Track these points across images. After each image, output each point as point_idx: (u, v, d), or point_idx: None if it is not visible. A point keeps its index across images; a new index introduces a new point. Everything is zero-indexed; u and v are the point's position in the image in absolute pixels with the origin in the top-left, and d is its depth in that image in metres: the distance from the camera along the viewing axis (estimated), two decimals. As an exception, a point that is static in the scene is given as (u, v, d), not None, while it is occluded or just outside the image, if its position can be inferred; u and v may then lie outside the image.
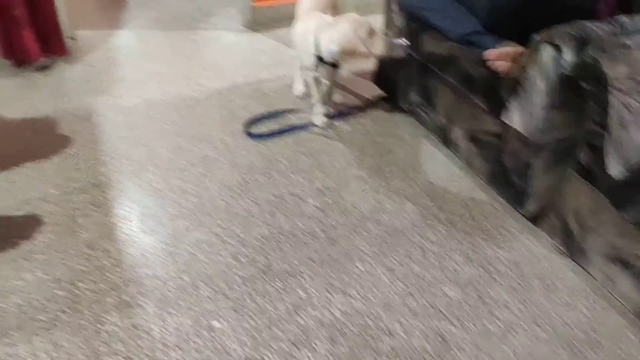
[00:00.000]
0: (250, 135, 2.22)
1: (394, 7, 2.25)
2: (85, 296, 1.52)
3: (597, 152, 1.46)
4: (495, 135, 1.83)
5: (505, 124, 1.76)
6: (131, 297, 1.52)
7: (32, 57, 2.64)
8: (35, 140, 2.17)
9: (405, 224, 1.82)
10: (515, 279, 1.63)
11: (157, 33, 3.18)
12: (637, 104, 1.34)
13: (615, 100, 1.38)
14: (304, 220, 1.82)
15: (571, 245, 1.64)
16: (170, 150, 2.14)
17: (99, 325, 1.44)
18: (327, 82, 2.22)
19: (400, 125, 2.33)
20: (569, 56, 1.49)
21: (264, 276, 1.61)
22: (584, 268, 1.63)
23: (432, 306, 1.53)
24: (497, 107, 1.78)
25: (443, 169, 2.08)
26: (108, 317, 1.46)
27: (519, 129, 1.71)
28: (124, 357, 1.36)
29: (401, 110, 2.39)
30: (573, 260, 1.66)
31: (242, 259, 1.66)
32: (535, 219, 1.80)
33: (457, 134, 2.04)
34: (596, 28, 1.53)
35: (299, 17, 2.29)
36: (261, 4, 3.17)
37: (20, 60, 2.66)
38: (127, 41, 3.07)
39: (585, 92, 1.47)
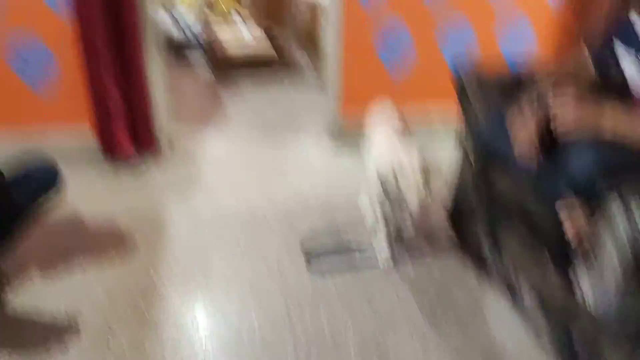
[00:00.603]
0: (310, 268, 2.14)
1: (468, 140, 2.14)
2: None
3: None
4: (563, 302, 1.62)
5: (578, 302, 1.54)
6: None
7: (124, 152, 2.82)
8: (104, 239, 2.26)
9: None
10: None
11: (243, 137, 3.33)
12: None
13: None
14: (338, 363, 1.69)
15: None
16: (223, 263, 2.14)
17: None
18: (394, 217, 2.13)
19: (468, 269, 2.16)
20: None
21: None
22: None
23: None
24: (565, 270, 1.59)
25: (506, 327, 1.88)
26: None
27: (591, 310, 1.48)
28: None
29: (472, 252, 2.23)
30: None
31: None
32: None
33: (524, 291, 1.85)
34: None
35: (370, 137, 2.24)
36: (348, 116, 3.21)
37: (113, 154, 2.84)
38: (216, 147, 3.22)
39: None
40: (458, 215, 2.28)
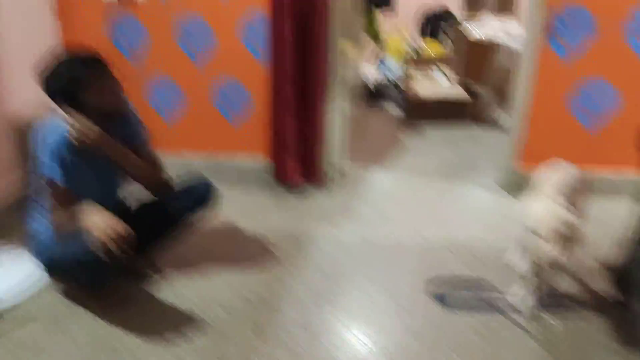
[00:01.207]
0: (439, 298, 2.03)
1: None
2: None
3: None
4: None
5: None
6: None
7: (293, 182, 3.02)
8: (255, 253, 2.42)
9: None
10: None
11: (413, 178, 3.30)
12: None
13: None
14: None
15: None
16: (351, 294, 2.14)
17: None
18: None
19: (630, 344, 1.81)
20: None
21: None
22: None
23: None
24: None
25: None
26: None
27: None
28: None
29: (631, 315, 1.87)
30: None
31: None
32: None
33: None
34: None
35: (534, 193, 2.05)
36: (523, 167, 2.98)
37: (284, 182, 3.06)
38: (381, 181, 3.26)
39: None
40: (627, 275, 1.95)
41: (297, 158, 3.00)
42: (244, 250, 2.45)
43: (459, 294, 2.11)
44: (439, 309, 2.01)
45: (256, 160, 3.15)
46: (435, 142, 3.97)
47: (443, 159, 3.60)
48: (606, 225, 2.32)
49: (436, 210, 2.86)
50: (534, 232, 1.78)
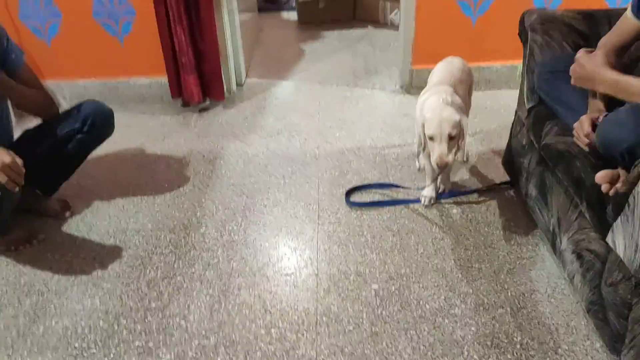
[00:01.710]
0: (348, 201, 2.14)
1: (528, 93, 2.01)
2: (120, 334, 1.60)
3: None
4: (598, 256, 1.48)
5: (609, 246, 1.41)
6: (155, 346, 1.55)
7: (194, 99, 2.95)
8: (162, 175, 2.39)
9: (468, 337, 1.56)
10: None
11: (314, 86, 3.31)
12: None
13: None
14: (356, 306, 1.68)
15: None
16: (265, 205, 2.18)
17: (114, 366, 1.50)
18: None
19: (515, 219, 2.03)
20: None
21: (285, 356, 1.51)
22: None
23: None
24: (603, 224, 1.44)
25: (544, 280, 1.75)
26: (126, 360, 1.51)
27: (621, 257, 1.36)
28: (116, 405, 1.39)
29: (519, 197, 2.09)
30: None
31: (274, 333, 1.59)
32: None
33: (565, 243, 1.70)
34: None
35: (427, 89, 2.15)
36: (420, 68, 3.09)
37: (185, 101, 2.99)
38: (284, 91, 3.25)
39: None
40: (512, 161, 2.14)
41: (194, 74, 2.91)
42: (153, 175, 2.41)
43: (367, 193, 2.22)
44: (351, 211, 2.12)
45: (153, 80, 3.02)
46: (334, 46, 3.97)
47: (342, 64, 3.62)
48: (497, 113, 2.49)
49: (340, 115, 2.92)
50: (427, 136, 1.84)
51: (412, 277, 1.78)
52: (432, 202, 2.12)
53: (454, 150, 1.82)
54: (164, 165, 2.48)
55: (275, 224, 2.06)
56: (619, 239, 1.36)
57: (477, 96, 2.38)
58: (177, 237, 2.00)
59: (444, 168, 1.80)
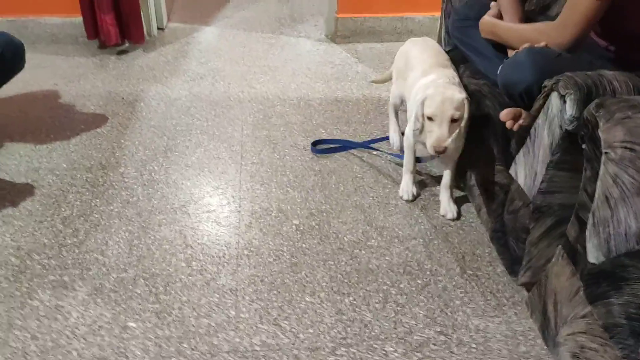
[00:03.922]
0: (314, 150, 2.13)
1: (446, 36, 2.08)
2: (33, 269, 1.55)
3: (583, 229, 1.18)
4: (502, 188, 1.58)
5: (512, 177, 1.51)
6: (71, 280, 1.53)
7: (111, 41, 2.82)
8: (78, 116, 2.30)
9: (382, 266, 1.63)
10: (475, 352, 1.38)
11: (239, 33, 3.25)
12: (629, 179, 1.06)
13: (604, 169, 1.11)
14: (277, 240, 1.71)
15: (547, 333, 1.35)
16: (187, 146, 2.15)
17: (28, 300, 1.46)
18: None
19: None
20: (571, 109, 1.23)
21: (205, 287, 1.53)
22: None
23: (362, 361, 1.35)
24: (507, 157, 1.54)
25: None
26: (40, 294, 1.48)
27: (521, 185, 1.46)
28: (30, 335, 1.36)
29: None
30: (548, 350, 1.37)
31: (194, 265, 1.60)
32: (526, 291, 1.52)
33: (473, 178, 1.81)
34: (614, 78, 1.26)
35: (424, 71, 1.83)
36: (345, 16, 3.10)
37: (102, 42, 2.85)
38: (208, 37, 3.17)
39: (585, 155, 1.21)
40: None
41: (111, 13, 2.78)
42: (67, 116, 2.31)
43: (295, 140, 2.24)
44: (274, 151, 2.14)
45: (66, 19, 2.86)
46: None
47: (269, 12, 3.57)
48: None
49: (264, 62, 2.89)
50: (426, 116, 1.62)
51: (332, 213, 1.83)
52: (414, 195, 1.91)
53: (454, 135, 1.59)
54: (79, 106, 2.38)
55: (198, 164, 2.04)
56: (520, 170, 1.47)
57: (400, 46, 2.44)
58: (94, 176, 1.95)
59: (441, 153, 1.59)
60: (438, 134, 1.57)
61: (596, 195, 1.13)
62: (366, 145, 2.13)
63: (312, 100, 2.51)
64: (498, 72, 1.56)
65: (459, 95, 1.58)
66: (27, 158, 2.02)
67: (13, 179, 1.91)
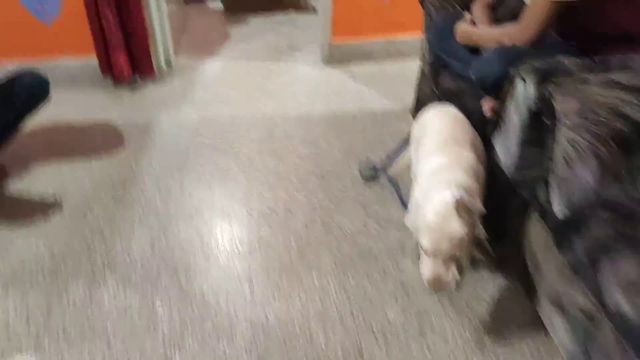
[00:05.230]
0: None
1: (427, 47, 2.30)
2: (67, 270, 1.73)
3: (550, 190, 1.36)
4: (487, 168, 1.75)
5: (494, 160, 1.69)
6: (101, 275, 1.70)
7: (124, 75, 3.06)
8: (97, 143, 2.50)
9: (381, 248, 1.80)
10: (468, 314, 1.53)
11: (242, 63, 3.48)
12: (583, 141, 1.24)
13: (562, 136, 1.29)
14: (285, 234, 1.89)
15: (528, 287, 1.51)
16: (199, 163, 2.35)
17: (64, 292, 1.64)
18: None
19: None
20: (532, 90, 1.42)
21: (222, 276, 1.70)
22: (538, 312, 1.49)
23: (366, 325, 1.51)
24: (486, 142, 1.72)
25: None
26: (74, 288, 1.65)
27: (500, 165, 1.64)
28: (69, 319, 1.53)
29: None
30: (531, 303, 1.52)
31: (212, 259, 1.77)
32: (508, 257, 1.68)
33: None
34: (568, 62, 1.45)
35: (438, 149, 1.60)
36: (339, 42, 3.33)
37: (115, 78, 3.09)
38: (212, 68, 3.40)
39: (547, 128, 1.39)
40: (419, 108, 2.41)
41: (124, 52, 3.02)
42: (88, 143, 2.51)
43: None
44: (280, 162, 2.32)
45: (83, 60, 3.11)
46: (258, 29, 4.16)
47: (268, 43, 3.82)
48: (411, 80, 2.73)
49: (265, 87, 3.11)
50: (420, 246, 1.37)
51: (334, 210, 2.00)
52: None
53: (453, 269, 1.32)
54: (98, 134, 2.59)
55: (210, 177, 2.23)
56: (499, 149, 1.64)
57: (393, 66, 2.65)
58: (116, 192, 2.14)
59: (436, 290, 1.40)
60: (434, 271, 1.32)
61: (557, 159, 1.31)
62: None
63: (311, 116, 2.72)
64: (471, 69, 1.76)
65: (460, 231, 1.29)
66: (53, 179, 2.22)
67: (42, 196, 2.10)
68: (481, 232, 1.79)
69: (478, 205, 1.38)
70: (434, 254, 1.32)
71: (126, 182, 2.19)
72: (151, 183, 2.18)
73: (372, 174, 2.18)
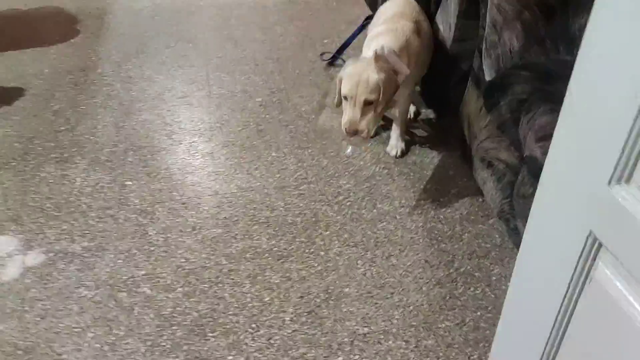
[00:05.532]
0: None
1: None
2: (35, 150, 1.81)
3: (482, 57, 1.48)
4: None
5: (437, 36, 1.79)
6: (70, 155, 1.79)
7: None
8: (52, 30, 2.48)
9: (335, 125, 1.93)
10: (413, 179, 1.71)
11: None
12: (509, 6, 1.35)
13: (491, 3, 1.39)
14: (244, 114, 1.99)
15: (465, 153, 1.68)
16: (156, 47, 2.38)
17: (37, 172, 1.73)
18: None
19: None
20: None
21: (185, 152, 1.81)
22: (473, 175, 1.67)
23: (320, 193, 1.67)
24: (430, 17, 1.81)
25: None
26: (46, 167, 1.74)
27: (441, 39, 1.75)
28: (44, 197, 1.64)
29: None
30: (469, 170, 1.70)
31: (175, 137, 1.88)
32: (449, 129, 1.84)
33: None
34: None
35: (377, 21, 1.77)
36: None
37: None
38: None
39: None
40: None
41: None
42: (42, 30, 2.49)
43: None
44: (236, 46, 2.37)
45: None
46: None
47: None
48: None
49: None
50: (342, 94, 1.53)
51: (290, 91, 2.10)
52: (402, 152, 1.80)
53: (368, 117, 1.48)
54: (51, 22, 2.56)
55: (168, 61, 2.28)
56: (440, 24, 1.74)
57: None
58: (76, 77, 2.17)
59: (352, 135, 1.51)
60: (351, 116, 1.48)
61: (486, 24, 1.42)
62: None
63: (267, 3, 2.72)
64: None
65: (375, 76, 1.45)
66: (11, 67, 2.22)
67: (2, 84, 2.13)
68: (422, 105, 1.94)
69: (400, 65, 1.51)
70: (352, 99, 1.48)
71: (86, 68, 2.22)
72: (110, 68, 2.22)
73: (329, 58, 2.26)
